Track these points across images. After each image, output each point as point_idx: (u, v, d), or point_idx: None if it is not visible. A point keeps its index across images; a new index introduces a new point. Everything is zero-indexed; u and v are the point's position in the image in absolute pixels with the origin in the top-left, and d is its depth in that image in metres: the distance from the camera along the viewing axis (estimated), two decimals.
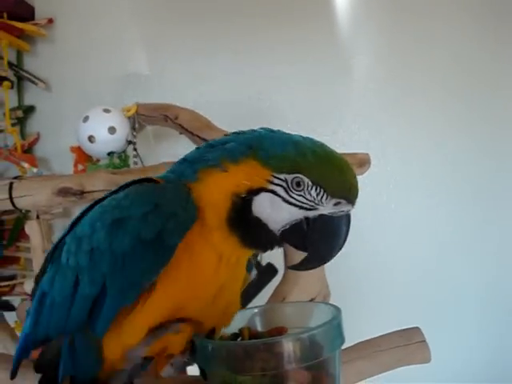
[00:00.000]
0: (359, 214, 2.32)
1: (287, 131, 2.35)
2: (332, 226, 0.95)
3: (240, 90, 2.38)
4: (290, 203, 0.92)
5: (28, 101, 2.47)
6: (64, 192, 1.72)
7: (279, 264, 1.66)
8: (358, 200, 2.25)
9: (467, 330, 2.36)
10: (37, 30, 2.36)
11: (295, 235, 0.94)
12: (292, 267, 1.00)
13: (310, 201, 0.92)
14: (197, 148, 1.02)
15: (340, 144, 2.32)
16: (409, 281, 2.33)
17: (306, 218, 0.94)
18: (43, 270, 1.05)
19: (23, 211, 2.10)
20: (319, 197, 0.92)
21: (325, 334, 0.97)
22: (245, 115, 2.35)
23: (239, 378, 0.95)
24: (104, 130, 1.92)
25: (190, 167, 0.96)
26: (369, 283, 2.31)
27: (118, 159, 1.99)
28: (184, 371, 1.44)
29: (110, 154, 1.96)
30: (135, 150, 2.03)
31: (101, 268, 0.91)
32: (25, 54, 2.46)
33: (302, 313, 1.11)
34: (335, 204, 0.93)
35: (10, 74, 2.34)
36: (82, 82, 2.43)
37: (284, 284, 1.47)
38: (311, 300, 1.43)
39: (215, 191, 0.93)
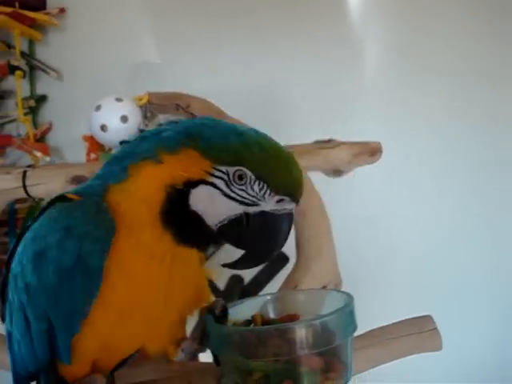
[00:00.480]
0: (371, 203, 2.34)
1: (299, 121, 2.34)
2: (273, 224, 0.92)
3: (252, 80, 2.37)
4: (230, 197, 0.89)
5: (40, 90, 2.48)
6: (77, 180, 1.72)
7: (291, 252, 1.67)
8: (371, 188, 2.27)
9: (478, 320, 2.36)
10: (49, 20, 2.37)
11: (233, 232, 0.92)
12: (226, 265, 0.97)
13: (252, 196, 0.89)
14: (126, 142, 0.97)
15: (351, 133, 2.30)
16: (420, 269, 2.33)
17: (246, 214, 0.91)
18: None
19: (36, 200, 2.12)
20: (262, 192, 0.89)
21: (337, 320, 0.98)
22: (256, 105, 2.35)
23: (252, 363, 0.96)
24: (116, 119, 1.92)
25: (118, 165, 0.92)
26: (379, 272, 2.31)
27: None
28: (196, 358, 1.46)
29: (122, 143, 1.97)
30: None
31: (39, 303, 0.89)
32: (36, 43, 2.46)
33: (314, 300, 1.11)
34: (278, 201, 0.90)
35: (22, 63, 2.34)
36: (94, 71, 2.43)
37: (296, 272, 1.48)
38: (323, 288, 1.43)
39: (148, 185, 0.88)
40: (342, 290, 1.27)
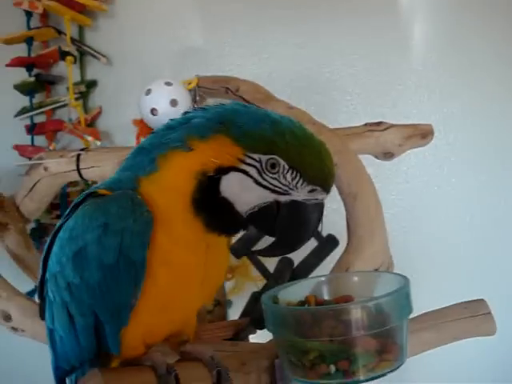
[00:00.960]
0: (421, 186, 2.32)
1: (347, 104, 2.32)
2: (304, 214, 0.91)
3: (299, 62, 2.35)
4: (262, 185, 0.89)
5: (90, 75, 2.50)
6: None
7: (341, 236, 1.67)
8: (421, 173, 2.24)
9: None
10: (98, 5, 2.39)
11: (263, 219, 0.92)
12: (257, 252, 0.98)
13: (284, 185, 0.89)
14: (153, 133, 0.98)
15: (401, 116, 2.28)
16: (471, 253, 2.29)
17: (277, 202, 0.91)
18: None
19: (89, 182, 2.16)
20: (294, 181, 0.89)
21: (393, 302, 0.98)
22: (305, 87, 2.33)
23: (307, 343, 0.97)
24: (166, 103, 1.94)
25: (146, 156, 0.92)
26: (430, 255, 2.28)
27: None
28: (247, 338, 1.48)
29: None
30: None
31: (84, 300, 0.90)
32: (86, 29, 2.49)
33: (368, 282, 1.12)
34: (310, 191, 0.90)
35: (72, 49, 2.37)
36: (142, 55, 2.44)
37: (347, 254, 1.47)
38: (375, 270, 1.43)
39: (179, 174, 0.89)
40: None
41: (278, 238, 0.94)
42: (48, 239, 1.01)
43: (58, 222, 1.01)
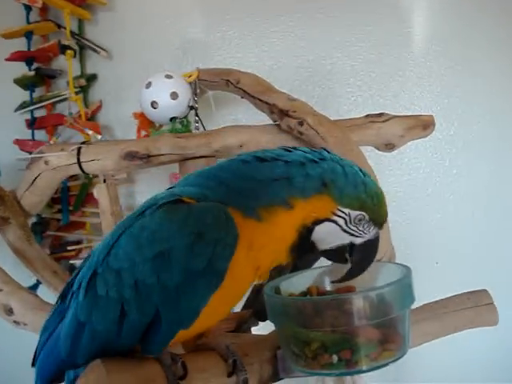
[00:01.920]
0: (423, 177, 2.32)
1: (348, 96, 2.32)
2: (373, 247, 1.07)
3: (300, 54, 2.34)
4: (346, 232, 1.02)
5: (90, 69, 2.49)
6: (131, 156, 1.75)
7: None
8: (423, 164, 2.24)
9: None
10: None
11: (337, 254, 1.06)
12: (338, 281, 1.09)
13: (361, 231, 1.03)
14: (235, 173, 1.01)
15: (402, 108, 2.28)
16: (473, 244, 2.29)
17: (351, 243, 1.04)
18: (66, 294, 1.06)
19: (90, 176, 2.16)
20: (369, 228, 1.04)
21: (395, 292, 0.98)
22: (306, 79, 2.33)
23: (309, 333, 0.97)
24: (166, 96, 1.94)
25: (243, 198, 0.97)
26: (432, 247, 2.28)
27: (180, 124, 2.01)
28: (249, 330, 1.47)
29: (172, 119, 1.98)
30: (197, 115, 2.05)
31: (151, 300, 0.91)
32: (86, 22, 2.48)
33: (370, 272, 1.11)
34: (375, 231, 1.06)
35: (72, 42, 2.36)
36: (143, 49, 2.43)
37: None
38: (378, 261, 1.42)
39: (284, 229, 0.98)
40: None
41: (354, 267, 1.07)
42: (111, 234, 1.00)
43: (126, 219, 1.02)
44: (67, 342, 0.98)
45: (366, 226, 1.03)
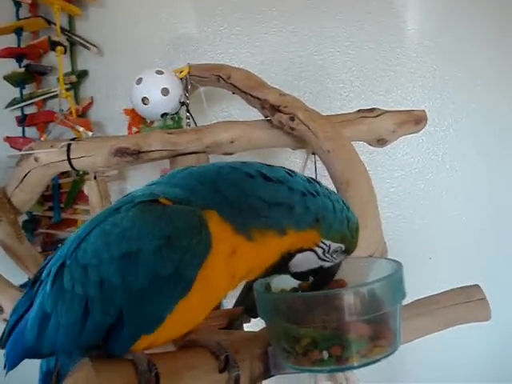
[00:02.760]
0: (415, 173, 2.31)
1: (340, 91, 2.31)
2: (336, 269, 1.08)
3: (292, 50, 2.34)
4: (321, 259, 1.04)
5: (81, 65, 2.48)
6: (121, 152, 1.74)
7: None
8: (415, 160, 2.25)
9: None
10: None
11: (303, 276, 1.07)
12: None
13: (333, 258, 1.05)
14: (237, 185, 0.98)
15: (395, 103, 2.28)
16: (465, 240, 2.29)
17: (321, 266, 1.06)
18: (37, 277, 1.04)
19: (81, 173, 2.15)
20: (341, 255, 1.06)
21: (386, 287, 0.98)
22: (297, 75, 2.32)
23: (300, 329, 0.96)
24: (157, 92, 1.92)
25: (239, 213, 0.95)
26: (425, 243, 2.28)
27: (172, 120, 2.00)
28: (241, 327, 1.47)
29: (163, 115, 1.97)
30: (188, 111, 2.03)
31: (115, 301, 0.89)
32: (76, 18, 2.46)
33: (361, 268, 1.11)
34: (343, 257, 1.08)
35: (62, 39, 2.34)
36: (134, 45, 2.42)
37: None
38: (369, 257, 1.42)
39: (272, 252, 0.99)
40: None
41: (316, 284, 1.08)
42: (84, 226, 0.98)
43: (101, 213, 0.99)
44: (33, 330, 0.97)
45: (338, 255, 1.05)
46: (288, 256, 1.01)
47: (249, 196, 0.96)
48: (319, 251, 1.03)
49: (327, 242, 1.02)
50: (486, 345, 2.29)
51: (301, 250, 1.01)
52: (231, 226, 0.94)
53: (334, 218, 1.02)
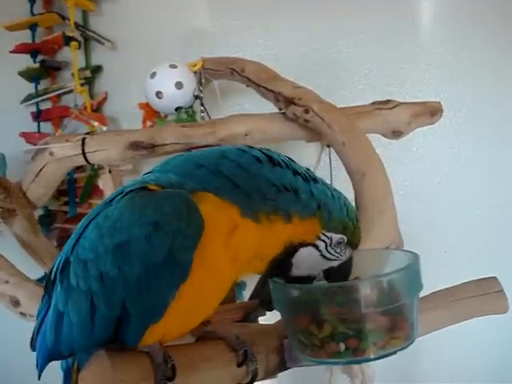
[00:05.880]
0: (430, 165, 2.29)
1: (354, 84, 2.29)
2: (348, 268, 1.07)
3: (306, 43, 2.32)
4: (324, 257, 1.02)
5: (95, 61, 2.49)
6: (135, 146, 1.74)
7: None
8: (431, 153, 2.22)
9: None
10: None
11: (305, 281, 1.03)
12: None
13: (338, 253, 1.03)
14: (246, 168, 0.97)
15: (409, 96, 2.26)
16: (482, 232, 2.27)
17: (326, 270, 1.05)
18: (50, 278, 1.03)
19: (95, 166, 2.15)
20: (345, 250, 1.04)
21: (403, 278, 0.97)
22: (311, 68, 2.31)
23: (317, 321, 0.95)
24: (171, 86, 1.93)
25: (246, 197, 0.95)
26: (441, 235, 2.26)
27: (186, 114, 2.00)
28: (256, 320, 1.46)
29: (177, 109, 1.97)
30: (202, 104, 2.04)
31: (116, 293, 0.88)
32: (90, 14, 2.47)
33: (378, 260, 1.11)
34: (350, 253, 1.06)
35: (76, 34, 2.35)
36: (147, 39, 2.42)
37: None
38: (385, 248, 1.41)
39: (274, 237, 0.97)
40: None
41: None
42: (82, 221, 0.98)
43: (97, 206, 0.99)
44: (51, 331, 0.97)
45: (342, 249, 1.04)
46: (291, 250, 0.99)
47: (257, 179, 0.96)
48: (321, 246, 1.01)
49: (328, 234, 1.01)
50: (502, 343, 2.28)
51: (302, 244, 1.00)
52: (236, 209, 0.93)
53: (334, 206, 1.01)
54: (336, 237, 1.01)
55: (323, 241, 1.01)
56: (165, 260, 0.86)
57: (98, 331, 0.92)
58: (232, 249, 0.93)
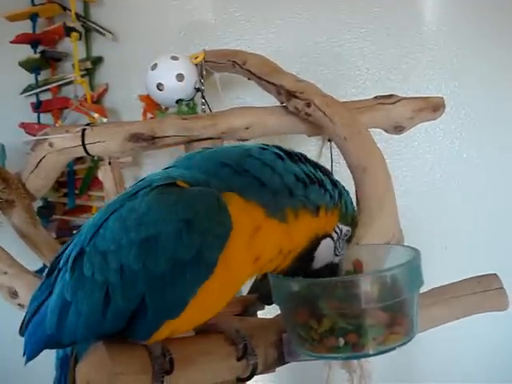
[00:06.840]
0: (431, 160, 2.28)
1: (356, 78, 2.29)
2: (341, 265, 1.07)
3: (308, 37, 2.31)
4: (336, 249, 1.04)
5: (96, 52, 2.47)
6: (136, 138, 1.74)
7: None
8: (432, 148, 2.22)
9: None
10: None
11: (322, 273, 1.02)
12: None
13: (341, 248, 1.05)
14: (269, 165, 0.98)
15: (412, 91, 2.24)
16: (482, 228, 2.26)
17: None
18: (56, 266, 1.02)
19: (96, 159, 2.15)
20: (346, 244, 1.06)
21: (403, 273, 0.97)
22: (313, 62, 2.30)
23: (316, 316, 0.95)
24: (172, 78, 1.92)
25: (270, 195, 0.95)
26: (441, 231, 2.26)
27: (187, 107, 1.99)
28: (255, 314, 1.46)
29: (178, 101, 1.96)
30: (203, 97, 2.02)
31: (136, 286, 0.88)
32: (91, 4, 2.45)
33: (378, 255, 1.10)
34: (344, 252, 1.07)
35: (77, 25, 2.34)
36: (149, 31, 2.41)
37: (358, 228, 1.45)
38: (386, 244, 1.41)
39: (301, 232, 0.98)
40: None
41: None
42: (100, 212, 0.97)
43: (117, 198, 0.98)
44: (53, 319, 0.96)
45: (344, 243, 1.06)
46: (315, 242, 1.00)
47: (283, 176, 0.96)
48: (335, 237, 1.03)
49: (340, 226, 1.03)
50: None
51: (325, 236, 1.01)
52: (261, 209, 0.93)
53: (347, 198, 1.05)
54: (345, 229, 1.04)
55: (336, 233, 1.03)
56: (192, 258, 0.86)
57: (108, 323, 0.91)
58: (254, 249, 0.93)
